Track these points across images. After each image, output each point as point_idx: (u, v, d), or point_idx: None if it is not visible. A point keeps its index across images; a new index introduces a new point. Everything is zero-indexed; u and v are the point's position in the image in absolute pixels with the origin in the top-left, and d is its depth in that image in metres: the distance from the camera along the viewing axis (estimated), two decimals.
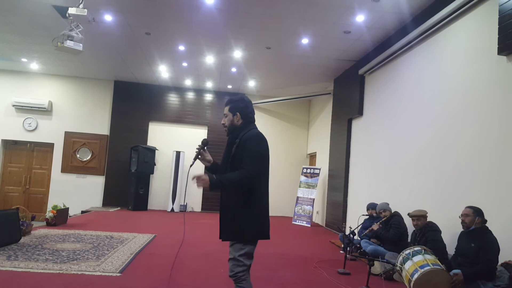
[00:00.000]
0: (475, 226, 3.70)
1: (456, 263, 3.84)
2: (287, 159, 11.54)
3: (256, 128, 2.58)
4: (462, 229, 3.88)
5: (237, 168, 2.39)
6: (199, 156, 2.56)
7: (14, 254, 4.58)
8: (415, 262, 3.59)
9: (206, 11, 6.14)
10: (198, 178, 2.27)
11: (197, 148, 2.55)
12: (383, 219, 5.36)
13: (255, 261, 2.51)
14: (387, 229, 5.22)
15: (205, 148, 2.58)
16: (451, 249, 4.24)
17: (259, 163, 2.41)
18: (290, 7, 5.86)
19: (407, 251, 3.81)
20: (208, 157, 2.59)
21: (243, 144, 2.43)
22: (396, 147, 6.25)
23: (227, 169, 2.49)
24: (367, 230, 5.46)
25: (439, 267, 3.47)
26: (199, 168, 12.07)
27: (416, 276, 3.45)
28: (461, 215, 3.83)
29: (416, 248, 3.78)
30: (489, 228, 3.69)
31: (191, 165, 2.56)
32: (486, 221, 3.71)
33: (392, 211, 5.43)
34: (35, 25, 7.17)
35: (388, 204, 5.53)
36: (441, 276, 3.43)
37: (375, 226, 5.32)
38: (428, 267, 3.46)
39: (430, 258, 3.61)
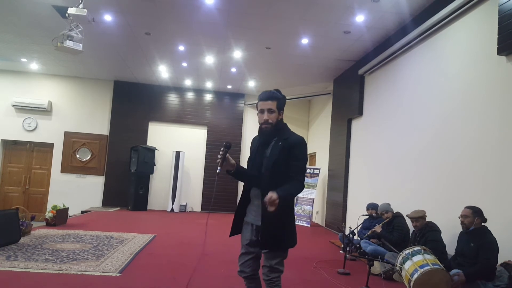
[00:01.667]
0: (474, 226, 3.71)
1: (456, 263, 3.85)
2: None
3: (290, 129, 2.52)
4: (462, 230, 3.88)
5: (279, 171, 2.31)
6: (225, 162, 2.33)
7: (13, 254, 4.58)
8: (415, 262, 3.59)
9: (206, 11, 6.14)
10: (271, 203, 2.08)
11: (220, 153, 2.31)
12: (385, 221, 5.33)
13: None
14: (390, 230, 5.20)
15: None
16: (451, 249, 4.24)
17: (305, 172, 2.42)
18: (290, 7, 5.86)
19: (406, 251, 3.81)
20: (232, 161, 2.37)
21: (290, 149, 2.34)
22: (396, 147, 6.25)
23: (260, 169, 2.39)
24: (370, 231, 5.43)
25: (438, 267, 3.48)
26: (199, 169, 11.88)
27: (416, 276, 3.45)
28: (460, 215, 3.84)
29: (415, 248, 3.78)
30: (489, 228, 3.69)
31: (218, 173, 2.31)
32: (486, 220, 3.71)
33: (394, 212, 5.42)
34: (35, 25, 7.17)
35: (389, 205, 5.51)
36: (441, 276, 3.43)
37: (378, 228, 5.27)
38: (428, 267, 3.46)
39: (429, 258, 3.61)
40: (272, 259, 2.35)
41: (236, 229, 2.53)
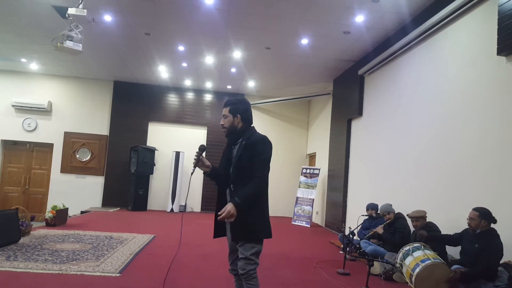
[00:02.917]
0: (481, 229, 3.64)
1: (457, 261, 3.84)
2: (286, 159, 11.54)
3: (257, 131, 2.65)
4: (468, 230, 3.84)
5: (243, 168, 2.46)
6: (199, 163, 2.57)
7: (13, 255, 4.58)
8: (416, 257, 3.61)
9: (206, 11, 6.14)
10: (228, 217, 2.30)
11: (195, 155, 2.56)
12: (386, 221, 5.32)
13: None
14: (391, 231, 5.17)
15: (203, 153, 2.60)
16: (450, 249, 4.25)
17: (268, 168, 2.51)
18: (290, 7, 5.86)
19: (406, 248, 3.84)
20: (207, 162, 2.60)
21: (251, 147, 2.49)
22: (395, 148, 6.25)
23: (229, 169, 2.56)
24: (371, 232, 5.42)
25: (440, 261, 3.49)
26: (199, 169, 11.89)
27: (417, 270, 3.47)
28: (467, 217, 3.76)
29: (415, 244, 3.81)
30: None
31: (192, 173, 2.61)
32: (495, 221, 3.62)
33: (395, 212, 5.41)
34: (34, 25, 7.17)
35: (391, 206, 5.48)
36: (442, 270, 3.45)
37: (379, 229, 5.24)
38: (429, 261, 3.48)
39: (430, 253, 3.63)
40: (247, 250, 2.43)
41: (218, 230, 2.64)
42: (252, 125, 2.66)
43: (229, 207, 2.30)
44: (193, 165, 2.57)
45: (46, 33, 7.35)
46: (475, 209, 3.73)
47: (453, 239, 4.02)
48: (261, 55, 8.09)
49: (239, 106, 2.62)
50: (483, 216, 3.64)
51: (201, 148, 2.59)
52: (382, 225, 5.28)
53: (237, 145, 2.58)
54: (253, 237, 2.46)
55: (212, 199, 11.04)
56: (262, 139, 2.54)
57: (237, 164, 2.50)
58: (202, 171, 2.60)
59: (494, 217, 3.64)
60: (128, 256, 4.88)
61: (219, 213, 2.35)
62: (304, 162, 11.79)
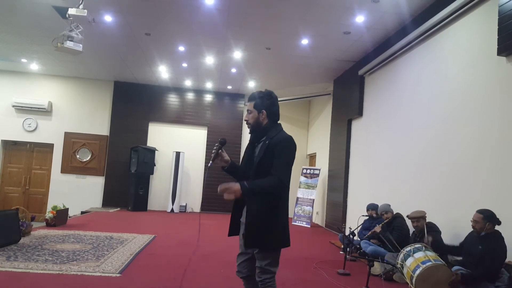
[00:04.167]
0: (486, 232, 3.60)
1: (459, 261, 3.83)
2: None
3: (283, 129, 2.49)
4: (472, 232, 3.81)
5: (264, 170, 2.32)
6: (218, 157, 2.43)
7: (13, 255, 4.58)
8: (417, 259, 3.61)
9: (206, 11, 6.15)
10: (227, 189, 2.16)
11: (214, 148, 2.41)
12: (385, 221, 5.33)
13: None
14: (389, 231, 5.18)
15: (222, 147, 2.47)
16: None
17: (289, 170, 2.37)
18: (290, 7, 5.86)
19: (407, 248, 3.84)
20: (226, 157, 2.46)
21: (274, 147, 2.34)
22: (396, 148, 6.25)
23: (251, 169, 2.41)
24: (370, 232, 5.42)
25: (440, 263, 3.49)
26: (199, 170, 11.88)
27: (418, 271, 3.48)
28: (472, 220, 3.73)
29: (416, 245, 3.81)
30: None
31: (209, 167, 2.43)
32: (500, 222, 3.58)
33: (394, 212, 5.41)
34: (35, 26, 7.17)
35: (389, 206, 5.51)
36: (443, 272, 3.45)
37: (377, 228, 5.26)
38: (430, 263, 3.48)
39: (431, 254, 3.63)
40: (262, 259, 2.32)
41: (233, 230, 2.52)
42: (278, 122, 2.49)
43: (233, 184, 2.17)
44: (211, 159, 2.42)
45: (46, 33, 7.35)
46: (479, 212, 3.67)
47: (455, 249, 4.01)
48: (261, 55, 8.09)
49: (264, 100, 2.44)
50: (487, 218, 3.59)
51: (222, 142, 2.42)
52: (381, 225, 5.30)
53: (260, 144, 2.44)
54: (269, 246, 2.33)
55: (212, 199, 11.05)
56: (286, 139, 2.38)
57: (258, 165, 2.36)
58: (221, 166, 2.47)
59: (498, 219, 3.59)
60: (129, 257, 4.88)
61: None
62: (304, 162, 11.79)
